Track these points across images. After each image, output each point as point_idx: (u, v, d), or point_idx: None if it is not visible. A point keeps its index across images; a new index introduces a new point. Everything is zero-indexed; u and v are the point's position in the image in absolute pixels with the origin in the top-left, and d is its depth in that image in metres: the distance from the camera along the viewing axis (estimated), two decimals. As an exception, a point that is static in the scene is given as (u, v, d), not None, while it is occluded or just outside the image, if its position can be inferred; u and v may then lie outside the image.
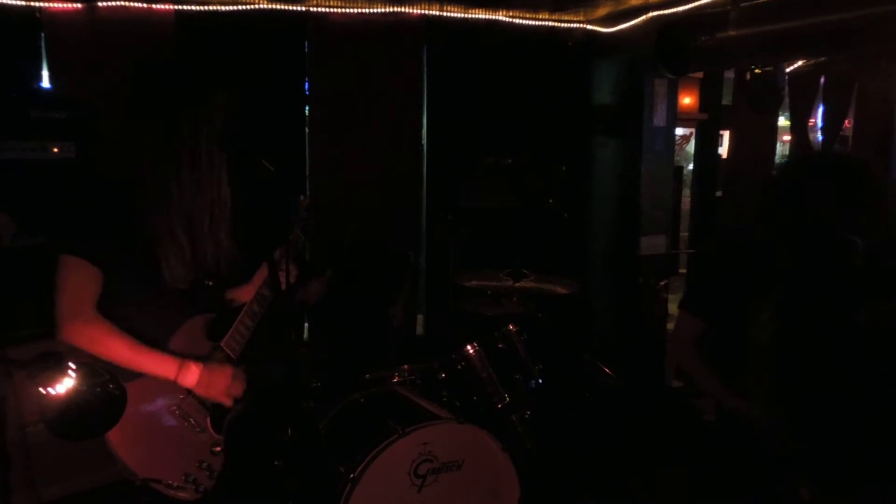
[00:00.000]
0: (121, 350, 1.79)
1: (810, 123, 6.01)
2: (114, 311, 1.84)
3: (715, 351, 2.29)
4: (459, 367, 3.04)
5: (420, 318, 4.60)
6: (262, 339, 2.10)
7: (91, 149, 3.03)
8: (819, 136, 6.00)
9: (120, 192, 1.84)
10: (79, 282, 1.80)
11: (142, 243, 1.84)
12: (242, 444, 2.02)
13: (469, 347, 3.05)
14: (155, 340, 1.89)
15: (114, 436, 1.79)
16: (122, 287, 1.84)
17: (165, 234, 1.85)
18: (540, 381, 3.14)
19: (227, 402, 1.96)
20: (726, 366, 2.23)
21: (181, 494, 1.87)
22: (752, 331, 2.12)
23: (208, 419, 1.95)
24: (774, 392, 2.14)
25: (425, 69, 4.40)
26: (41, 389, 1.58)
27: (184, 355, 1.90)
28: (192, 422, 1.92)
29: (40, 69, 3.47)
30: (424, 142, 4.48)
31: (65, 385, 1.60)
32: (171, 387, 1.88)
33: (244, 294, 2.16)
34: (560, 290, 3.35)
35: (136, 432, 1.82)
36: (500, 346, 3.14)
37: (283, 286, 1.93)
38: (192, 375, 1.87)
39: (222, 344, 1.98)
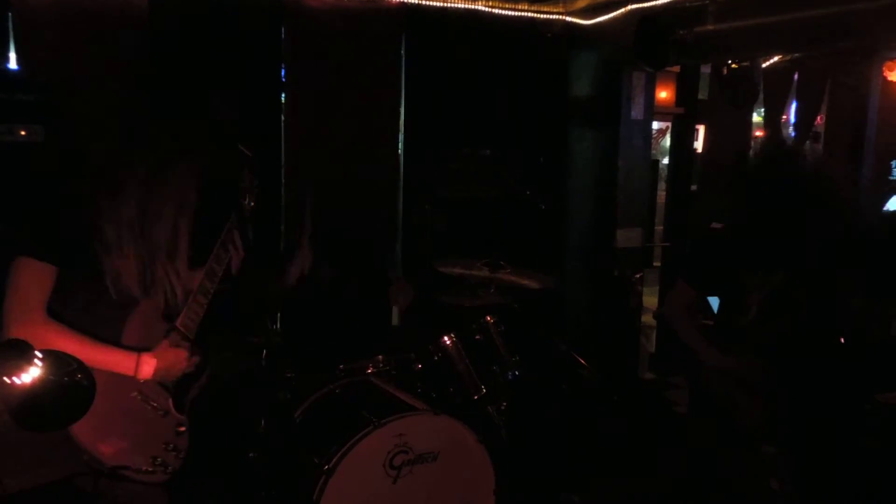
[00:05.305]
0: (73, 351, 1.68)
1: (783, 119, 6.07)
2: (66, 299, 1.79)
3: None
4: (436, 357, 3.03)
5: (395, 308, 4.57)
6: (232, 327, 2.07)
7: (58, 133, 2.95)
8: (792, 132, 6.07)
9: (77, 187, 1.79)
10: (28, 281, 1.74)
11: (93, 244, 1.77)
12: (206, 422, 2.02)
13: (446, 338, 3.04)
14: (109, 323, 1.85)
15: (76, 426, 1.73)
16: (74, 279, 1.79)
17: (114, 242, 1.78)
18: (517, 372, 3.14)
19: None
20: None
21: (151, 478, 1.87)
22: (743, 307, 2.29)
23: (171, 401, 1.95)
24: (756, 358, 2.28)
25: (403, 58, 4.36)
26: (6, 379, 1.52)
27: (140, 345, 1.87)
28: (155, 405, 1.91)
29: (7, 50, 3.37)
30: (401, 130, 4.45)
31: (31, 375, 1.54)
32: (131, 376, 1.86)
33: None
34: (537, 281, 3.35)
35: (98, 421, 1.78)
36: (477, 337, 3.13)
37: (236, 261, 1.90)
38: (148, 367, 1.86)
39: (177, 324, 1.96)
